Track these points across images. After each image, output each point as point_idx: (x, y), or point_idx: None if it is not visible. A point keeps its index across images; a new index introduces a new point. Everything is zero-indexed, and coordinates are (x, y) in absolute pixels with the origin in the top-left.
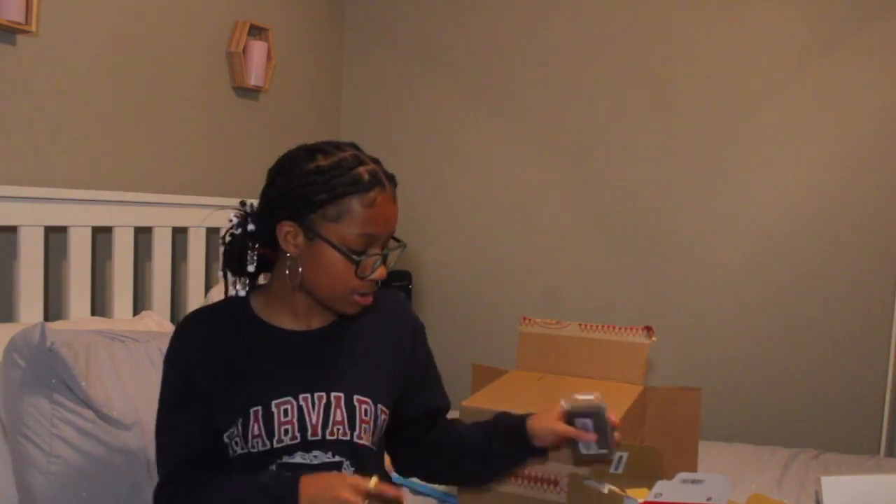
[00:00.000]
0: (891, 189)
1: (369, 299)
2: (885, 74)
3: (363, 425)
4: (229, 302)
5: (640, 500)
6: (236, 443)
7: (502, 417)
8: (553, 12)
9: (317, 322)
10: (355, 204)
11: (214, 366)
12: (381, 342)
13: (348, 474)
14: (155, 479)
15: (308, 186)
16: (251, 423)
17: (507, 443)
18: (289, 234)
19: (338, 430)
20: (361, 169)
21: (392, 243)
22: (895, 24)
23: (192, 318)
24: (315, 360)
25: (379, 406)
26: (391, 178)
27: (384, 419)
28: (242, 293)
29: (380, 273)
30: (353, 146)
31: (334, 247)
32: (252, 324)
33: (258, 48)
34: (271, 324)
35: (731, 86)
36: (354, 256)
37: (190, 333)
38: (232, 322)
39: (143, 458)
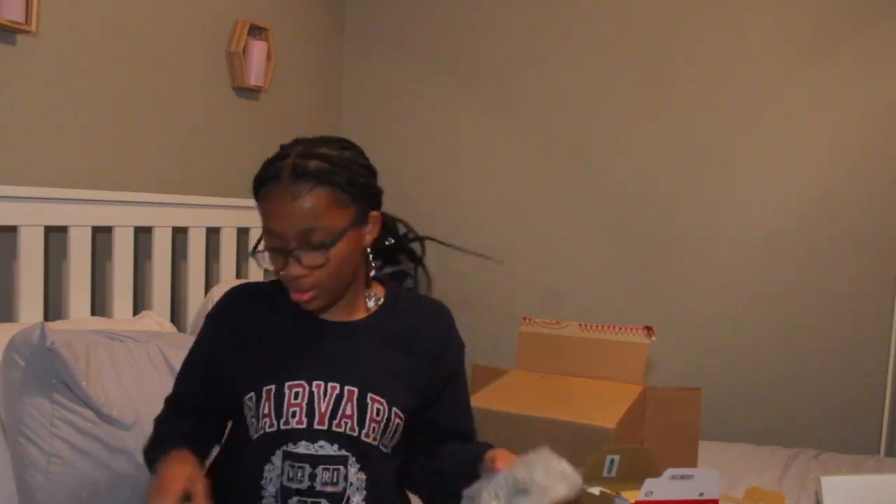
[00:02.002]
0: (891, 189)
1: (297, 297)
2: (885, 75)
3: (372, 424)
4: (279, 282)
5: (632, 501)
6: (252, 422)
7: (476, 450)
8: (553, 12)
9: (346, 314)
10: (259, 199)
11: (245, 334)
12: (408, 348)
13: (180, 477)
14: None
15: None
16: (263, 401)
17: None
18: None
19: (346, 423)
20: (268, 163)
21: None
22: (895, 24)
23: (239, 288)
24: (337, 351)
25: (394, 409)
26: (298, 168)
27: (398, 423)
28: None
29: (289, 271)
30: (308, 140)
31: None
32: (288, 306)
33: (258, 48)
34: (305, 309)
35: (732, 86)
36: (255, 248)
37: (234, 300)
38: (272, 301)
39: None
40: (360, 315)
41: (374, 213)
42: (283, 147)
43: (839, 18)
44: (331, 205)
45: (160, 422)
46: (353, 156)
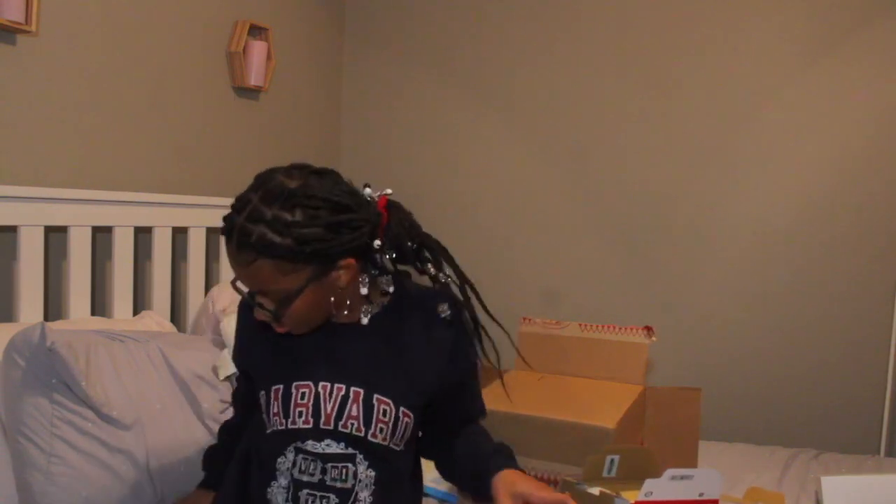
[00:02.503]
0: (891, 189)
1: (277, 329)
2: (886, 74)
3: (379, 425)
4: None
5: (632, 501)
6: (266, 418)
7: (486, 465)
8: (552, 12)
9: (353, 315)
10: None
11: (261, 339)
12: (416, 345)
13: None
14: (155, 478)
15: None
16: (272, 400)
17: (474, 485)
18: None
19: (352, 424)
20: (229, 212)
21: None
22: (895, 24)
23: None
24: (344, 352)
25: (401, 409)
26: (240, 243)
27: (407, 423)
28: None
29: (255, 314)
30: (266, 191)
31: None
32: None
33: (258, 48)
34: None
35: (732, 85)
36: (235, 280)
37: (247, 308)
38: None
39: (143, 458)
40: (365, 314)
41: (344, 262)
42: (246, 192)
43: (839, 18)
44: (275, 274)
45: (220, 431)
46: (311, 215)
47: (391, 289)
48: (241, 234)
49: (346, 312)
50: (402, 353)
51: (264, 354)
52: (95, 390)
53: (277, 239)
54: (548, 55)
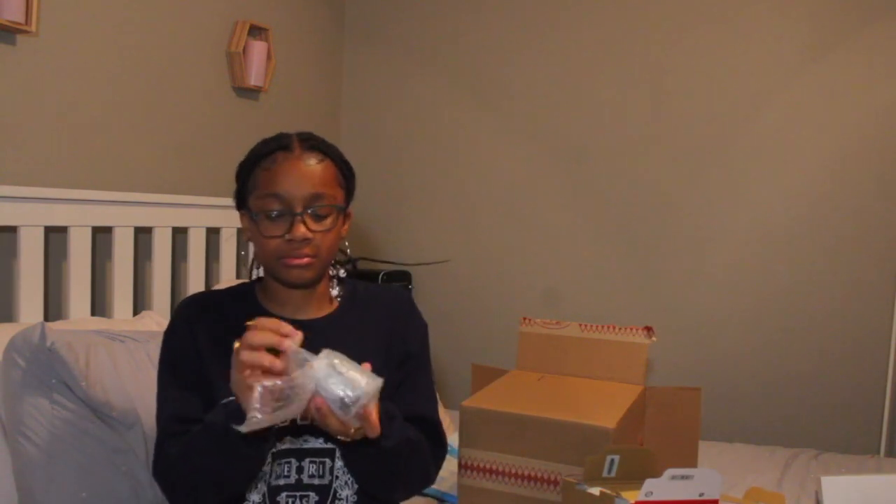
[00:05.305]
0: (891, 189)
1: (296, 261)
2: (886, 74)
3: None
4: (238, 287)
5: (632, 501)
6: None
7: None
8: (553, 11)
9: (313, 311)
10: (258, 170)
11: (212, 342)
12: (377, 337)
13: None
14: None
15: (237, 173)
16: None
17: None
18: (243, 222)
19: None
20: (269, 140)
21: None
22: (895, 24)
23: (195, 297)
24: (309, 349)
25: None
26: (308, 142)
27: None
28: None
29: (296, 232)
30: (300, 133)
31: (250, 214)
32: (252, 309)
33: (258, 48)
34: (270, 311)
35: (732, 86)
36: (254, 215)
37: (192, 309)
38: (233, 305)
39: (144, 458)
40: (321, 313)
41: (349, 211)
42: (276, 135)
43: (840, 18)
44: (335, 179)
45: (164, 451)
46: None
47: (336, 292)
48: (305, 140)
49: (314, 302)
50: (362, 347)
51: (220, 364)
52: (95, 390)
53: (336, 151)
54: (547, 54)
